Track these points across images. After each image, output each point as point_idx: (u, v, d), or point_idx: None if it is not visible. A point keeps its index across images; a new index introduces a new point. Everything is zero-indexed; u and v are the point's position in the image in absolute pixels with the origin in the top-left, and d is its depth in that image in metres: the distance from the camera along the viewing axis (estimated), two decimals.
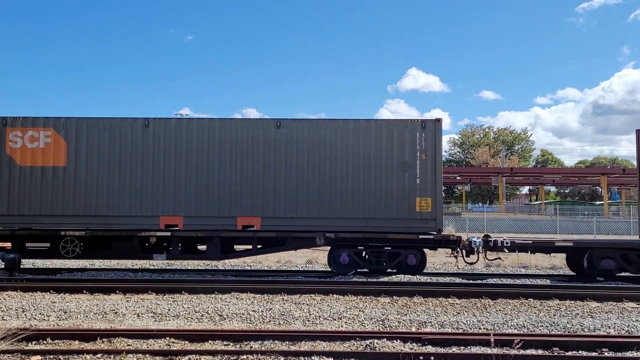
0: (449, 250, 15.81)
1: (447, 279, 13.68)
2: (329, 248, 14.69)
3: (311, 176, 14.24)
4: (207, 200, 14.17)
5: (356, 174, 14.23)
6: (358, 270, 14.31)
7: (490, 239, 14.35)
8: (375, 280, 13.37)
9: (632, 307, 10.24)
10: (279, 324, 8.85)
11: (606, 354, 7.09)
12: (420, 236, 14.01)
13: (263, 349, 7.18)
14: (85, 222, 14.14)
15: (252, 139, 14.30)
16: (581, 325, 8.69)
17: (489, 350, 6.92)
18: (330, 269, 14.84)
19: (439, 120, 14.33)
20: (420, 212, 14.07)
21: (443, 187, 16.94)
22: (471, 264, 14.79)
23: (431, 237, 14.03)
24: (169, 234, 14.13)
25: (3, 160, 14.25)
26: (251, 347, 7.27)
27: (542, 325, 8.70)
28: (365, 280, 13.36)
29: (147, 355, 6.84)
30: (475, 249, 14.18)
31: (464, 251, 14.38)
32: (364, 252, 14.28)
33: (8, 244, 14.74)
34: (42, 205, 14.16)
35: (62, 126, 14.32)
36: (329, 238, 14.08)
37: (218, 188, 14.20)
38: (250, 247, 14.56)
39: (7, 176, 14.21)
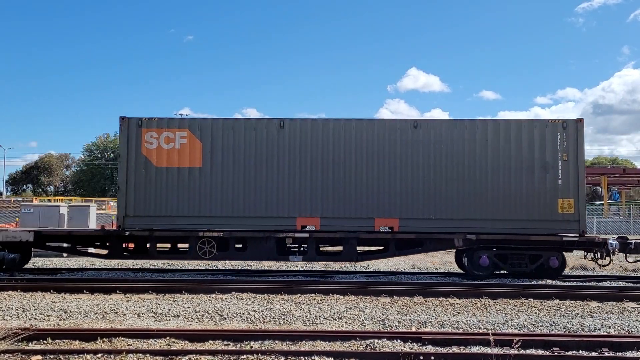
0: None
1: (447, 279, 13.69)
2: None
3: (449, 177, 14.12)
4: (344, 201, 14.10)
5: (496, 174, 14.09)
6: (495, 272, 14.15)
7: (629, 240, 13.97)
8: (375, 280, 13.38)
9: (632, 307, 10.24)
10: (280, 323, 8.85)
11: (606, 353, 7.08)
12: (565, 238, 13.78)
13: (263, 348, 7.18)
14: (221, 223, 14.12)
15: (389, 139, 14.21)
16: (581, 325, 8.69)
17: (489, 350, 6.91)
18: (463, 271, 14.76)
19: (580, 121, 14.17)
20: (562, 214, 13.91)
21: None
22: (604, 266, 14.50)
23: (575, 238, 13.79)
24: (307, 235, 14.06)
25: (139, 161, 14.28)
26: (251, 347, 7.27)
27: (542, 325, 8.70)
28: (365, 280, 13.38)
29: (148, 355, 6.83)
30: (612, 251, 13.81)
31: (598, 254, 14.03)
32: (504, 254, 13.99)
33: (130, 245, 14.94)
34: (178, 206, 14.19)
35: (198, 127, 14.34)
36: (469, 240, 13.84)
37: (355, 189, 14.13)
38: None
39: (143, 177, 14.24)
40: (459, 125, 14.29)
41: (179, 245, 15.05)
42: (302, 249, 14.41)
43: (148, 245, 14.49)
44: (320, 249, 14.71)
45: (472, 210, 14.01)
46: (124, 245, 14.75)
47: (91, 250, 15.57)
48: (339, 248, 14.75)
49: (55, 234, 15.24)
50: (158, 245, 14.98)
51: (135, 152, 14.28)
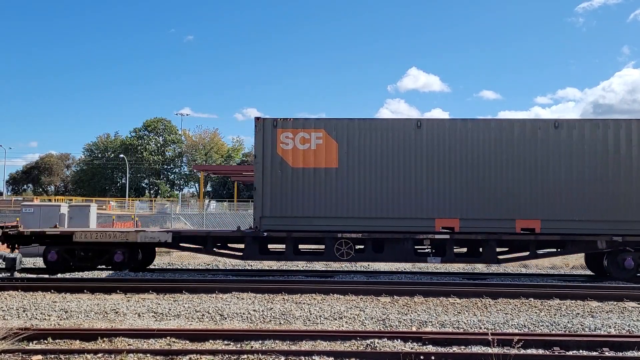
0: None
1: (447, 279, 13.68)
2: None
3: (592, 177, 13.91)
4: (484, 202, 13.94)
5: None
6: (638, 274, 13.96)
7: None
8: (375, 280, 13.38)
9: (633, 307, 10.24)
10: (280, 323, 8.86)
11: (607, 353, 7.08)
12: None
13: (264, 348, 7.18)
14: (357, 224, 14.07)
15: (529, 139, 14.05)
16: (582, 325, 8.68)
17: (489, 350, 6.91)
18: (593, 272, 14.72)
19: None
20: None
21: None
22: None
23: None
24: (447, 236, 13.93)
25: (274, 162, 14.29)
26: (252, 347, 7.27)
27: (542, 325, 8.70)
28: (365, 279, 13.37)
29: (148, 355, 6.84)
30: None
31: None
32: None
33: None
34: (315, 206, 14.15)
35: (333, 127, 14.30)
36: (614, 241, 13.64)
37: (495, 190, 13.98)
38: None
39: (279, 178, 14.23)
40: (602, 125, 14.06)
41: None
42: (433, 250, 14.27)
43: (284, 246, 14.53)
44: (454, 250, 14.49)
45: (616, 211, 13.78)
46: (259, 246, 14.69)
47: (227, 251, 15.50)
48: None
49: (192, 235, 15.44)
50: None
51: (271, 152, 14.29)
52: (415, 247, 14.27)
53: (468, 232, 13.92)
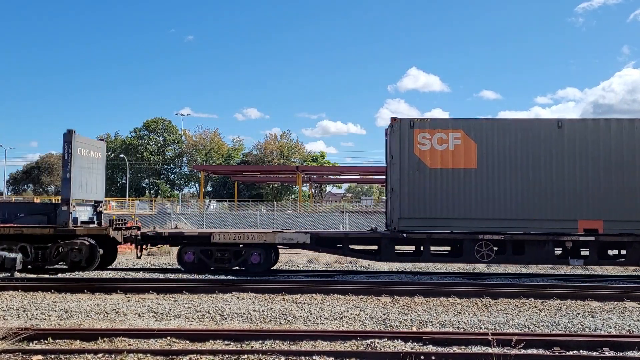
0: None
1: (448, 279, 13.68)
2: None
3: None
4: (629, 203, 13.76)
5: None
6: None
7: None
8: (376, 280, 13.38)
9: (633, 307, 10.24)
10: (280, 323, 8.85)
11: (607, 353, 7.08)
12: None
13: (264, 348, 7.18)
14: (496, 225, 13.97)
15: None
16: (582, 325, 8.68)
17: (490, 350, 6.91)
18: None
19: None
20: None
21: None
22: None
23: None
24: (592, 238, 13.74)
25: (412, 162, 14.21)
26: (252, 347, 7.27)
27: (543, 325, 8.70)
28: (365, 279, 13.37)
29: (148, 355, 6.84)
30: None
31: None
32: None
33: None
34: (453, 208, 14.06)
35: (472, 128, 14.20)
36: None
37: None
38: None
39: (416, 178, 14.15)
40: None
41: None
42: (574, 252, 14.11)
43: (422, 247, 14.44)
44: (609, 252, 14.27)
45: None
46: (396, 247, 14.63)
47: (363, 253, 15.34)
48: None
49: (329, 236, 15.46)
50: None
51: (408, 153, 14.23)
52: (559, 248, 14.10)
53: (612, 233, 13.75)
